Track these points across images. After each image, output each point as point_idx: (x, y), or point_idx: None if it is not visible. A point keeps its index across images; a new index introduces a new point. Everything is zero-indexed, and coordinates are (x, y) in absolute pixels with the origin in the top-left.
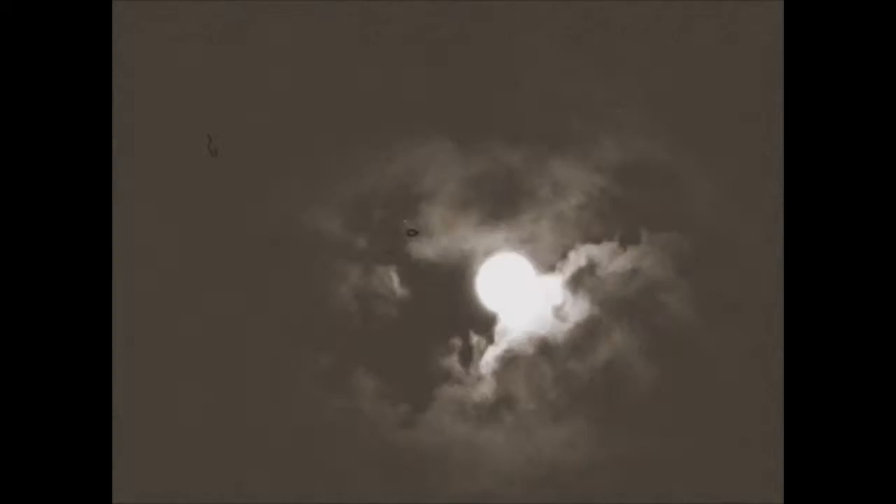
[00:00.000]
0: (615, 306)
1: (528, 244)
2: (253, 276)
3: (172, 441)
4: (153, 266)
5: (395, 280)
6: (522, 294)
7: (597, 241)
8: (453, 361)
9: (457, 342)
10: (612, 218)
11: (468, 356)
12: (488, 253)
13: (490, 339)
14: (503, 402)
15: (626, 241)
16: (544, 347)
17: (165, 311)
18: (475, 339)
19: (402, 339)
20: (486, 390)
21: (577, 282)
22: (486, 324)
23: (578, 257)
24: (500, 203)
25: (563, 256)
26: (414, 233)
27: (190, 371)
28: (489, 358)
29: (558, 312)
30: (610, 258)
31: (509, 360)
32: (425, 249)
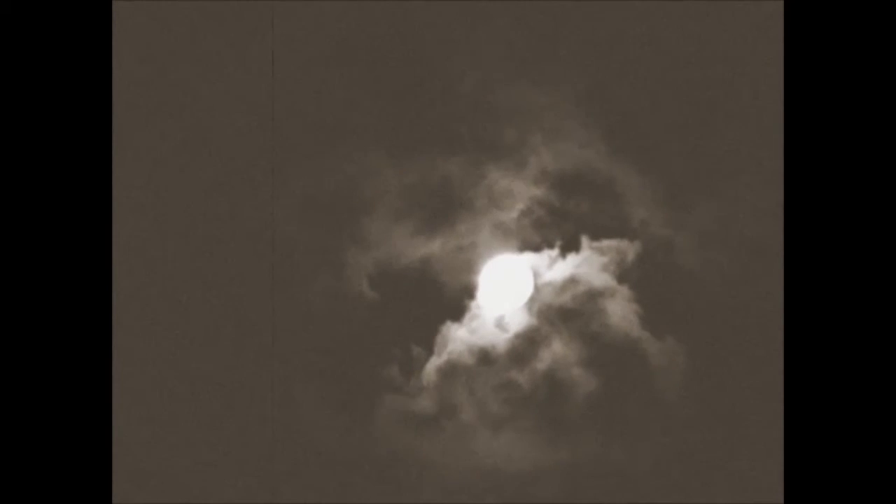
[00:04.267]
0: (555, 315)
1: (465, 253)
2: (203, 280)
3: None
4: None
5: (341, 290)
6: (468, 303)
7: (536, 249)
8: (394, 372)
9: (397, 352)
10: (550, 226)
11: (409, 367)
12: (424, 263)
13: (431, 350)
14: (445, 412)
15: (566, 250)
16: (485, 357)
17: (144, 314)
18: (416, 350)
19: (342, 349)
20: (427, 401)
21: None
22: (427, 334)
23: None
24: (437, 213)
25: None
26: None
27: (158, 374)
28: (430, 368)
29: (499, 322)
30: (549, 267)
31: (450, 371)
32: (364, 261)
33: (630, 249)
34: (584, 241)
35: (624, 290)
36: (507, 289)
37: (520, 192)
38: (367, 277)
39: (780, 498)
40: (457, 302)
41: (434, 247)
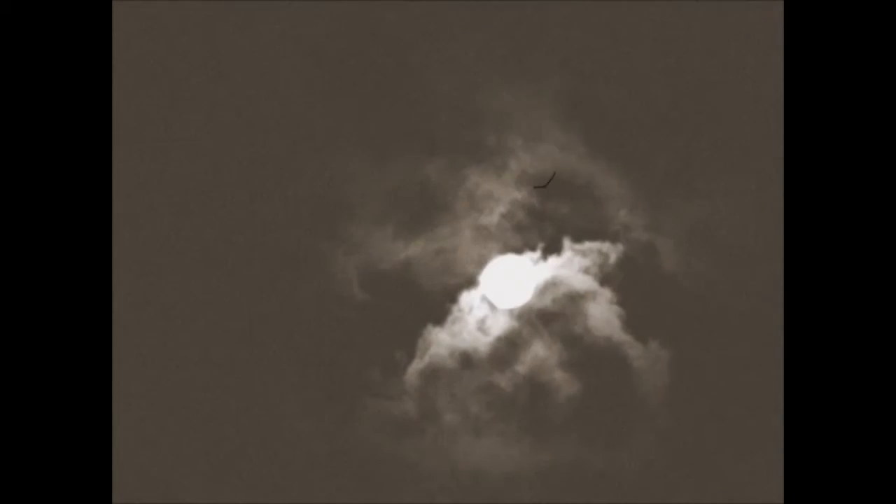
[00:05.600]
0: (536, 317)
1: (445, 256)
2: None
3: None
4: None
5: (323, 294)
6: (449, 306)
7: (518, 251)
8: (376, 374)
9: (379, 355)
10: (531, 228)
11: (391, 370)
12: (405, 266)
13: (412, 354)
14: (426, 415)
15: (547, 252)
16: (466, 361)
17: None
18: (398, 353)
19: (324, 354)
20: (409, 404)
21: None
22: (408, 338)
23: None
24: (418, 215)
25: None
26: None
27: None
28: (412, 371)
29: (481, 325)
30: (531, 269)
31: (431, 374)
32: (346, 263)
33: (612, 251)
34: (566, 243)
35: (606, 293)
36: (508, 289)
37: (500, 195)
38: (349, 281)
39: (780, 498)
40: (438, 305)
41: (415, 250)
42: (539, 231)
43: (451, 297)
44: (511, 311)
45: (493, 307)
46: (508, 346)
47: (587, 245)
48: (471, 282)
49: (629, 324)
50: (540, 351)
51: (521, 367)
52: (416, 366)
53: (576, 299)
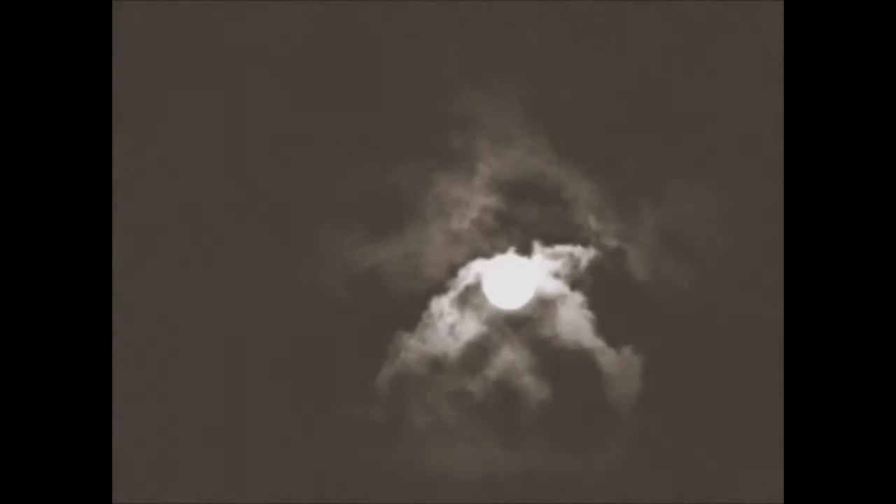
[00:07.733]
0: (507, 322)
1: (413, 260)
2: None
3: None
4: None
5: (287, 301)
6: (419, 311)
7: (487, 255)
8: (346, 380)
9: (349, 361)
10: (500, 233)
11: (361, 375)
12: (374, 270)
13: (383, 359)
14: (398, 420)
15: (518, 255)
16: (437, 366)
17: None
18: (368, 358)
19: (293, 359)
20: (380, 408)
21: (465, 299)
22: (379, 343)
23: (468, 273)
24: (387, 221)
25: (453, 274)
26: None
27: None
28: (382, 376)
29: (451, 330)
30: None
31: (402, 379)
32: (315, 268)
33: (583, 255)
34: (536, 246)
35: (577, 297)
36: (507, 288)
37: (469, 200)
38: (318, 286)
39: (780, 499)
40: (408, 310)
41: (384, 255)
42: (508, 235)
43: (422, 302)
44: (479, 316)
45: (493, 306)
46: (479, 351)
47: (557, 249)
48: (441, 287)
49: (600, 329)
50: (510, 356)
51: (492, 372)
52: (387, 371)
53: (546, 303)
